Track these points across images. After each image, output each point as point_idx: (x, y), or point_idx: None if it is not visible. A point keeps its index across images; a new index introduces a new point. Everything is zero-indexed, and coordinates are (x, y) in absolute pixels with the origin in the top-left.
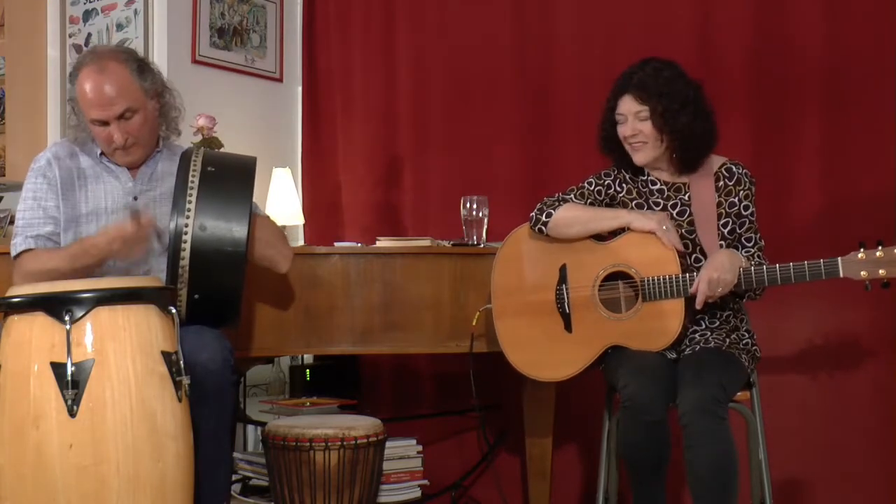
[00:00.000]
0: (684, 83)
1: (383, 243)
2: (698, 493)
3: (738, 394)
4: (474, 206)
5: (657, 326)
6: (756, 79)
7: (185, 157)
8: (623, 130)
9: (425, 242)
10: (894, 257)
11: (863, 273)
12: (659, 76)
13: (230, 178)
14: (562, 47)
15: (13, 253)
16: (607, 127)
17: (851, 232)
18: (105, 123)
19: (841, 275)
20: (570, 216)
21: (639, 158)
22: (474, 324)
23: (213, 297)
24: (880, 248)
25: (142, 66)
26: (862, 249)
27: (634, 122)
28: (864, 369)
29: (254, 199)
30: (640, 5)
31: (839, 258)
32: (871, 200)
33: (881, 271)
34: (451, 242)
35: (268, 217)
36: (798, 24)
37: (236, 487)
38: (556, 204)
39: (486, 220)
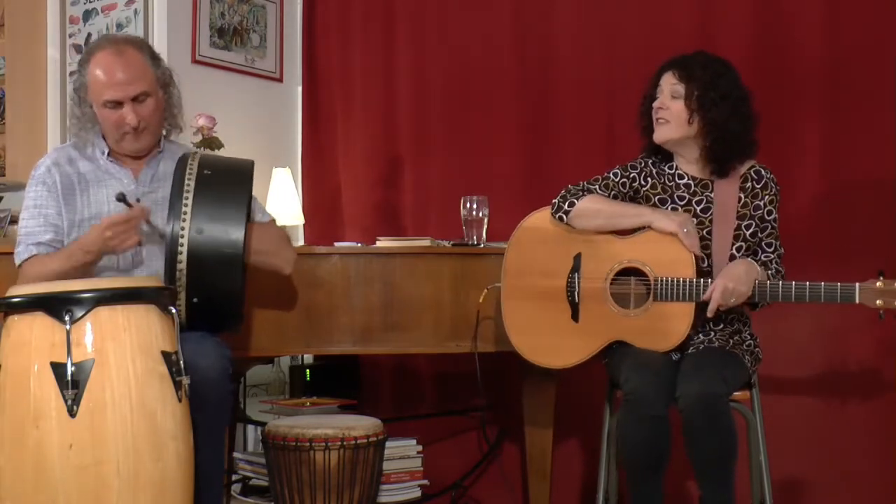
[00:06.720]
0: (732, 81)
1: (383, 243)
2: (703, 481)
3: (739, 394)
4: (474, 206)
5: (664, 327)
6: (756, 78)
7: (182, 161)
8: (655, 103)
9: (425, 242)
10: None
11: (878, 302)
12: (707, 65)
13: (227, 181)
14: (562, 48)
15: (17, 261)
16: (646, 103)
17: (851, 231)
18: (118, 105)
19: (857, 301)
20: (594, 209)
21: (658, 135)
22: (481, 301)
23: (213, 300)
24: None
25: (154, 56)
26: (881, 278)
27: (667, 98)
28: (864, 369)
29: (257, 201)
30: (640, 5)
31: (857, 284)
32: (871, 200)
33: None
34: (451, 242)
35: (270, 223)
36: (798, 23)
37: (236, 487)
38: (581, 193)
39: (486, 220)
